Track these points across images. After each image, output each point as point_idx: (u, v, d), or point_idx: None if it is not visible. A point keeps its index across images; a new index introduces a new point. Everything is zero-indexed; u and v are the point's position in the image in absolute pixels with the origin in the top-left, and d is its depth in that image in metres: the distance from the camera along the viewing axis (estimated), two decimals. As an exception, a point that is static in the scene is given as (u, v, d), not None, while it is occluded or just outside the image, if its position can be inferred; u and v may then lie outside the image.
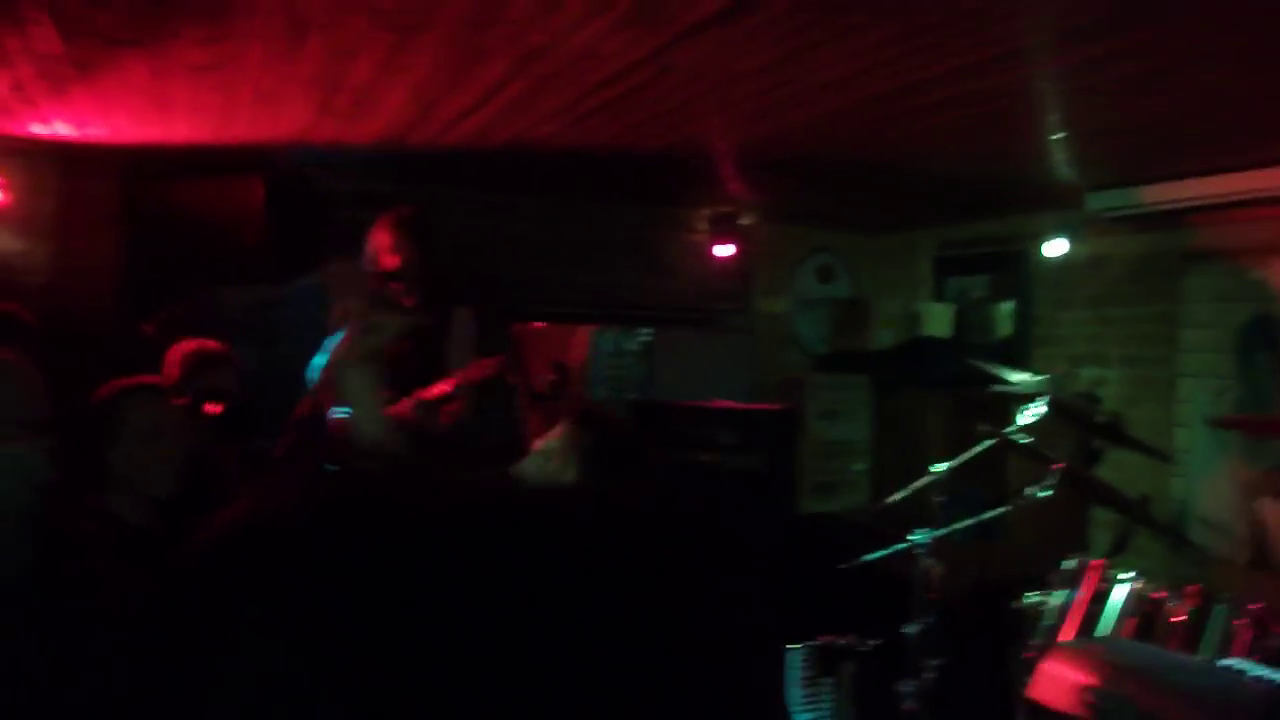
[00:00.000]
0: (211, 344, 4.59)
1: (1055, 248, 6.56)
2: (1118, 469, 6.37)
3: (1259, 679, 2.49)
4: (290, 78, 4.17)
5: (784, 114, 4.55)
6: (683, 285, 7.69)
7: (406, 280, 4.93)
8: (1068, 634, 4.10)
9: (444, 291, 5.10)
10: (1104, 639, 3.70)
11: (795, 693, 4.92)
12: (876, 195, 6.87)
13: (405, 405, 4.73)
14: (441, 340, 5.01)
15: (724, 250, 7.35)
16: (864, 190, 6.66)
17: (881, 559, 4.58)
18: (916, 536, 4.48)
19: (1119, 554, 4.63)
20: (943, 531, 4.44)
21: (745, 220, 7.52)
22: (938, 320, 7.66)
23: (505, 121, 4.86)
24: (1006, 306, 7.44)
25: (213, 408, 4.28)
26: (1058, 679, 2.36)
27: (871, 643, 4.84)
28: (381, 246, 4.95)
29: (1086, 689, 2.27)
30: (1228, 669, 2.65)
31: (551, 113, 4.68)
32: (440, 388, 4.77)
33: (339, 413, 4.65)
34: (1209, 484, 6.00)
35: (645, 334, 7.79)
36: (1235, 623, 3.76)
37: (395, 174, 6.23)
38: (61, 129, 5.13)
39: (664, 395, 7.36)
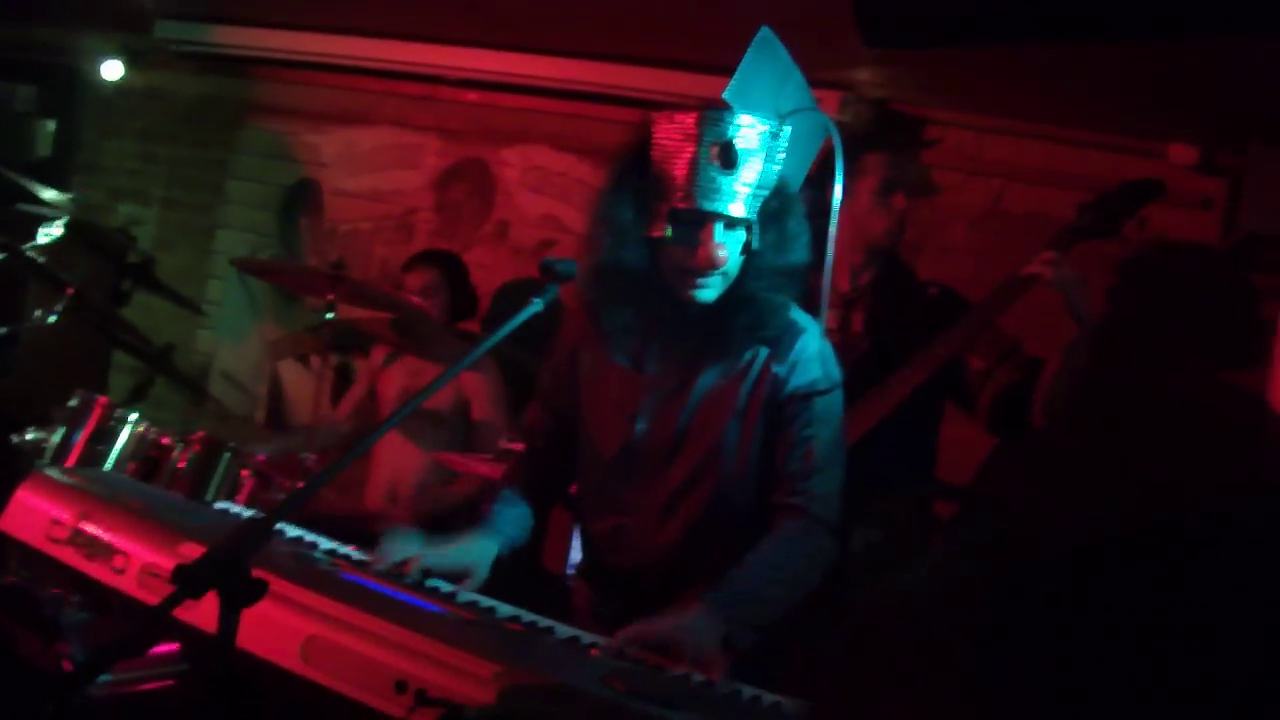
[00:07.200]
0: None
1: (112, 70, 6.17)
2: (146, 313, 6.15)
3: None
4: None
5: None
6: None
7: None
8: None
9: None
10: (91, 471, 3.49)
11: None
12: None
13: None
14: None
15: None
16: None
17: None
18: None
19: (138, 401, 4.50)
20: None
21: None
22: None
23: None
24: (49, 124, 6.86)
25: None
26: (31, 510, 2.10)
27: None
28: None
29: (58, 522, 2.04)
30: (220, 510, 2.57)
31: None
32: None
33: None
34: (236, 340, 6.01)
35: None
36: (241, 472, 3.82)
37: None
38: None
39: None
